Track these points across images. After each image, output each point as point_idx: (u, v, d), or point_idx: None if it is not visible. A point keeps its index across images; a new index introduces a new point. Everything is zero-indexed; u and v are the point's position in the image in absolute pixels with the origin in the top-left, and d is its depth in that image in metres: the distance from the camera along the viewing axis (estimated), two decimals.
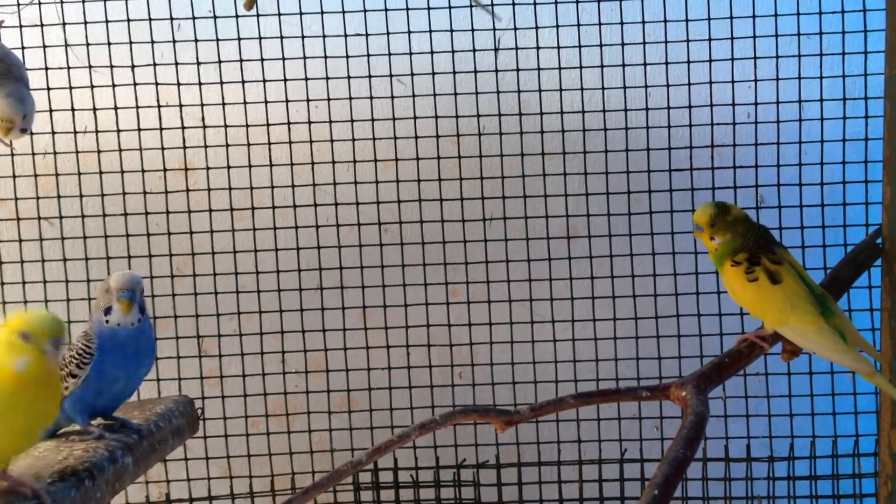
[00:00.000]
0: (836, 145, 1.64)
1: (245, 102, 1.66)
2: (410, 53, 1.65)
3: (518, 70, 1.66)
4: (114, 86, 1.64)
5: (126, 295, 1.21)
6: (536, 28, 1.65)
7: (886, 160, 1.48)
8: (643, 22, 1.64)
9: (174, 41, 1.64)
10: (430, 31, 1.64)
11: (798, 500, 1.68)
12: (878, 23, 1.56)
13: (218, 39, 1.64)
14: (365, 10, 1.63)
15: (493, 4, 1.64)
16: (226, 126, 1.67)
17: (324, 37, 1.64)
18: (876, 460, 1.61)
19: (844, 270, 1.49)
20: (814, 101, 1.64)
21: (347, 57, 1.65)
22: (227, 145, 1.67)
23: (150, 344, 1.27)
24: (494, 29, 1.66)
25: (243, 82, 1.66)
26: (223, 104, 1.66)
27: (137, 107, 1.65)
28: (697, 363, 1.57)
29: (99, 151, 1.66)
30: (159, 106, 1.65)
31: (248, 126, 1.67)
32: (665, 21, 1.63)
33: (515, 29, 1.65)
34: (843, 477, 1.66)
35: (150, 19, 1.63)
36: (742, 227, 1.35)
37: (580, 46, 1.65)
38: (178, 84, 1.65)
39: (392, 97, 1.66)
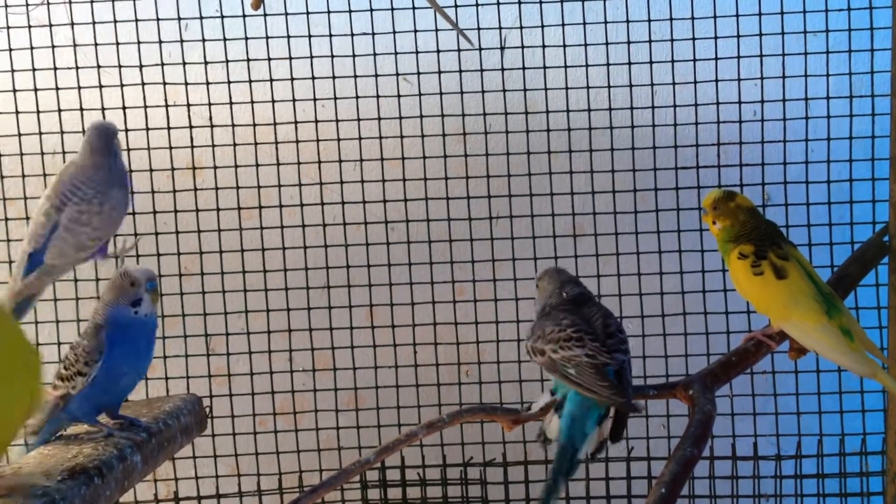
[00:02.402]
0: (842, 143, 1.64)
1: (252, 102, 1.67)
2: (417, 52, 1.65)
3: (524, 68, 1.66)
4: (122, 86, 1.65)
5: (154, 285, 1.25)
6: (542, 27, 1.65)
7: (893, 158, 1.48)
8: (649, 20, 1.64)
9: (182, 41, 1.65)
10: (437, 30, 1.64)
11: (805, 498, 1.68)
12: (885, 20, 1.55)
13: (225, 39, 1.64)
14: (371, 10, 1.64)
15: (498, 3, 1.65)
16: (233, 125, 1.67)
17: (330, 36, 1.65)
18: (884, 458, 1.61)
19: (851, 268, 1.49)
20: (820, 99, 1.64)
21: (354, 56, 1.65)
22: (235, 144, 1.67)
23: (154, 336, 1.28)
24: (500, 28, 1.66)
25: (250, 81, 1.66)
26: (230, 103, 1.67)
27: (146, 106, 1.66)
28: (704, 361, 1.58)
29: None
30: (167, 105, 1.66)
31: (255, 125, 1.68)
32: (671, 19, 1.63)
33: (521, 28, 1.65)
34: (850, 475, 1.66)
35: (158, 19, 1.64)
36: (743, 216, 1.35)
37: (586, 45, 1.65)
38: (186, 83, 1.66)
39: (398, 96, 1.67)
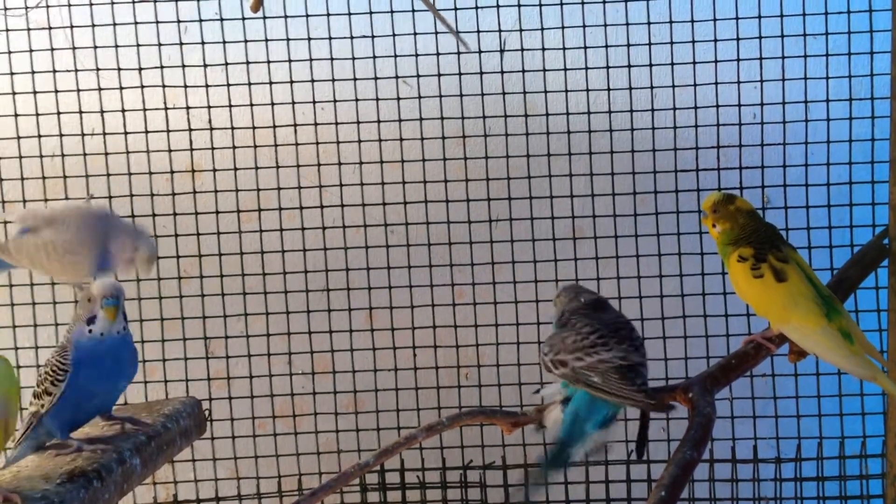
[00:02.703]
0: (842, 146, 1.64)
1: (251, 104, 1.67)
2: (416, 55, 1.65)
3: (524, 71, 1.66)
4: (121, 88, 1.65)
5: (111, 302, 1.17)
6: (542, 29, 1.65)
7: (893, 161, 1.48)
8: (648, 23, 1.64)
9: (181, 44, 1.65)
10: (436, 33, 1.64)
11: (805, 501, 1.68)
12: (884, 23, 1.56)
13: (224, 42, 1.64)
14: (371, 12, 1.64)
15: (498, 6, 1.65)
16: (232, 128, 1.67)
17: (330, 39, 1.65)
18: (883, 461, 1.61)
19: (851, 271, 1.49)
20: (820, 102, 1.64)
21: (353, 59, 1.65)
22: (234, 147, 1.67)
23: (132, 354, 1.22)
24: (500, 30, 1.66)
25: (250, 84, 1.66)
26: (230, 106, 1.67)
27: (145, 109, 1.66)
28: (704, 364, 1.58)
29: (106, 154, 1.66)
30: (166, 108, 1.66)
31: (254, 128, 1.67)
32: (671, 22, 1.63)
33: (521, 30, 1.65)
34: (850, 478, 1.66)
35: (157, 22, 1.64)
36: (743, 219, 1.35)
37: (585, 48, 1.65)
38: (185, 86, 1.66)
39: (398, 99, 1.67)
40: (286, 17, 1.64)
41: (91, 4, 1.64)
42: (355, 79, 1.66)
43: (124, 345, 1.20)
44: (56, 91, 1.65)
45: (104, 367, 1.18)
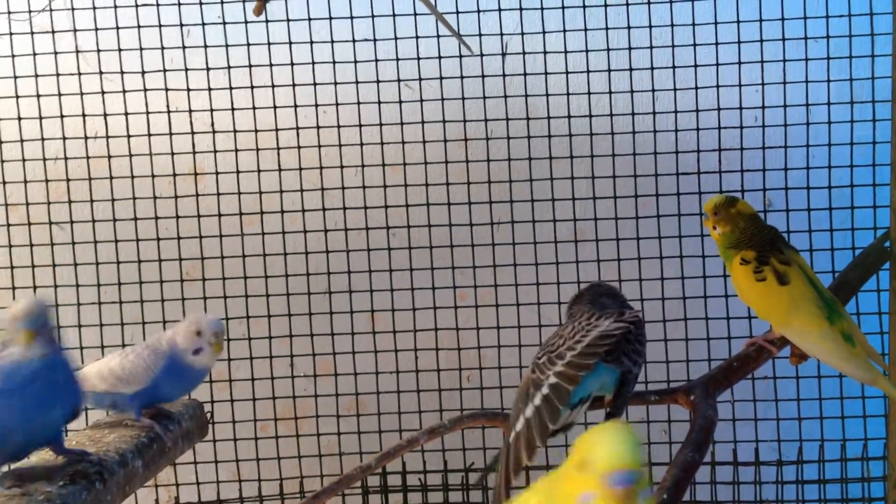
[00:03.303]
0: (843, 149, 1.64)
1: (254, 107, 1.67)
2: (418, 58, 1.66)
3: (525, 74, 1.67)
4: (124, 91, 1.66)
5: (26, 325, 1.02)
6: (544, 32, 1.65)
7: (894, 163, 1.48)
8: (650, 26, 1.64)
9: (184, 47, 1.65)
10: (438, 36, 1.65)
11: (807, 503, 1.68)
12: (885, 26, 1.56)
13: (227, 45, 1.65)
14: (373, 16, 1.64)
15: (500, 9, 1.65)
16: (235, 131, 1.68)
17: (332, 42, 1.65)
18: (885, 463, 1.60)
19: (853, 274, 1.50)
20: (821, 105, 1.64)
21: (356, 62, 1.66)
22: (237, 150, 1.68)
23: (67, 382, 1.07)
24: (502, 34, 1.67)
25: (252, 87, 1.67)
26: (232, 109, 1.67)
27: (147, 112, 1.66)
28: (705, 367, 1.58)
29: (109, 156, 1.67)
30: (169, 111, 1.66)
31: (257, 131, 1.68)
32: (672, 25, 1.64)
33: (523, 33, 1.66)
34: (852, 480, 1.66)
35: (160, 25, 1.64)
36: (743, 223, 1.36)
37: (587, 51, 1.65)
38: (188, 89, 1.66)
39: (400, 102, 1.67)
40: (288, 20, 1.65)
41: (94, 8, 1.64)
42: (357, 82, 1.66)
43: (53, 371, 1.04)
44: (59, 94, 1.66)
45: (28, 395, 1.03)
